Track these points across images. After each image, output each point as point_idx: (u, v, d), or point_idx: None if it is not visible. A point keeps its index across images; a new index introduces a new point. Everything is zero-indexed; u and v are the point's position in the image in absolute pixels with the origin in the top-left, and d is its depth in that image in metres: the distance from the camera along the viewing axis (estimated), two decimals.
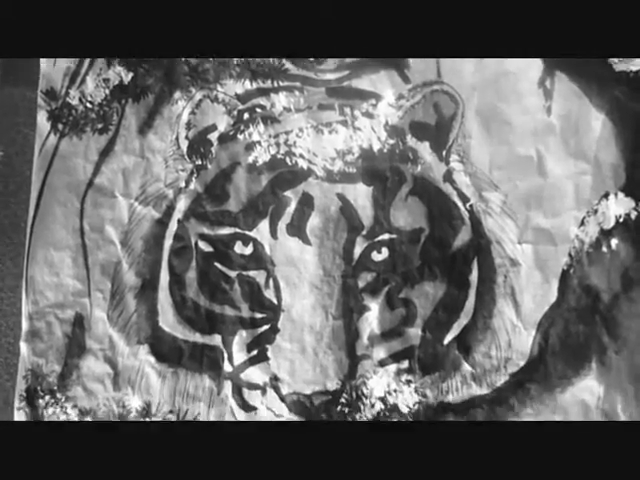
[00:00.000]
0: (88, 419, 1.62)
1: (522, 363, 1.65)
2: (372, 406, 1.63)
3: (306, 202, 1.63)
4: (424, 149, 1.64)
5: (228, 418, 1.63)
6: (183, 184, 1.64)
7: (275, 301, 1.63)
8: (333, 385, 1.62)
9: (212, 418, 1.63)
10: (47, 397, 1.63)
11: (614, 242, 1.66)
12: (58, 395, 1.63)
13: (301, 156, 1.63)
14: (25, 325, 1.64)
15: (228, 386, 1.63)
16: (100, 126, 1.63)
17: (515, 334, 1.65)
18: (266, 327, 1.63)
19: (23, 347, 1.64)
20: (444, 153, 1.64)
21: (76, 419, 1.62)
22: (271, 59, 1.62)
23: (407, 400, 1.63)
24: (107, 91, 1.62)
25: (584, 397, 1.65)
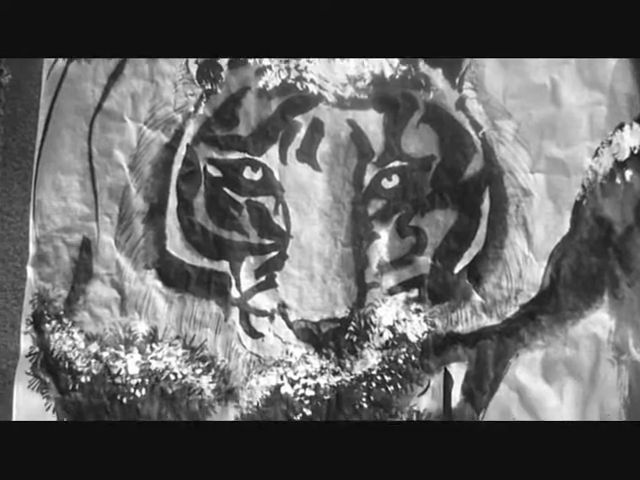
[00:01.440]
0: (94, 344, 1.61)
1: (533, 294, 1.63)
2: (381, 335, 1.61)
3: (316, 128, 1.61)
4: (437, 76, 1.62)
5: (235, 344, 1.61)
6: (192, 108, 1.63)
7: (284, 227, 1.61)
8: (341, 313, 1.61)
9: (219, 344, 1.61)
10: (54, 322, 1.62)
11: (628, 174, 1.63)
12: (64, 320, 1.62)
13: (312, 81, 1.61)
14: (32, 249, 1.63)
15: (235, 312, 1.62)
16: None
17: (526, 265, 1.63)
18: (274, 253, 1.61)
19: (30, 271, 1.63)
20: (457, 80, 1.62)
21: (82, 345, 1.61)
22: None
23: (416, 329, 1.62)
24: None
25: (596, 330, 1.63)
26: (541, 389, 1.62)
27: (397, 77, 1.61)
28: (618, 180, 1.64)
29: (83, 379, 1.61)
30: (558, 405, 1.62)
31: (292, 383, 1.61)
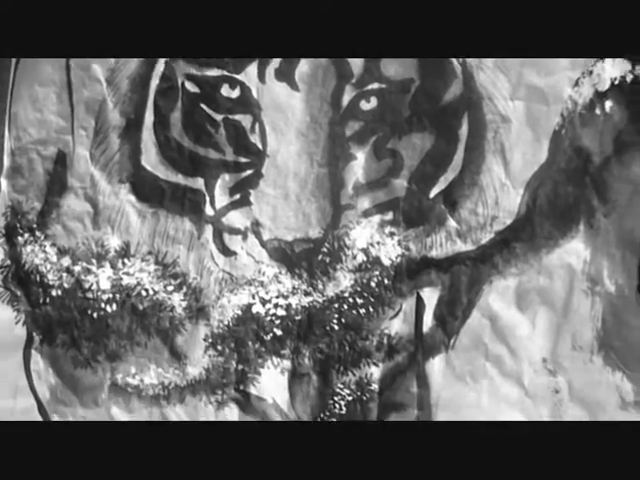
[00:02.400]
0: (66, 258, 1.60)
1: (509, 222, 1.62)
2: (354, 257, 1.61)
3: None
4: None
5: (208, 262, 1.61)
6: None
7: (260, 146, 1.60)
8: (315, 233, 1.60)
9: (191, 261, 1.61)
10: (26, 235, 1.61)
11: (608, 104, 1.63)
12: (37, 233, 1.61)
13: None
14: (7, 161, 1.62)
15: (209, 230, 1.61)
16: None
17: (503, 192, 1.62)
18: (250, 172, 1.60)
19: (4, 183, 1.62)
20: None
21: (54, 258, 1.60)
22: None
23: (389, 253, 1.61)
24: None
25: (570, 260, 1.62)
26: (514, 317, 1.61)
27: None
28: (597, 110, 1.63)
29: (54, 293, 1.60)
30: (530, 334, 1.62)
31: (263, 302, 1.60)
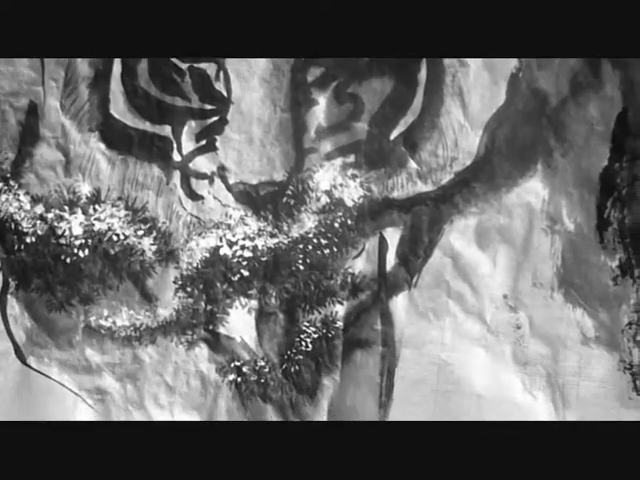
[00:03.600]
0: (40, 206, 1.66)
1: (468, 162, 1.66)
2: (318, 199, 1.65)
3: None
4: None
5: (176, 207, 1.66)
6: None
7: (225, 93, 1.65)
8: (279, 176, 1.65)
9: (160, 206, 1.66)
10: (0, 184, 1.66)
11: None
12: (11, 182, 1.66)
13: None
14: None
15: (177, 175, 1.66)
16: None
17: (462, 134, 1.66)
18: (215, 118, 1.65)
19: None
20: None
21: (28, 206, 1.66)
22: None
23: (352, 194, 1.65)
24: None
25: (529, 199, 1.66)
26: (474, 255, 1.66)
27: None
28: None
29: (28, 239, 1.66)
30: (491, 272, 1.66)
31: (230, 245, 1.65)
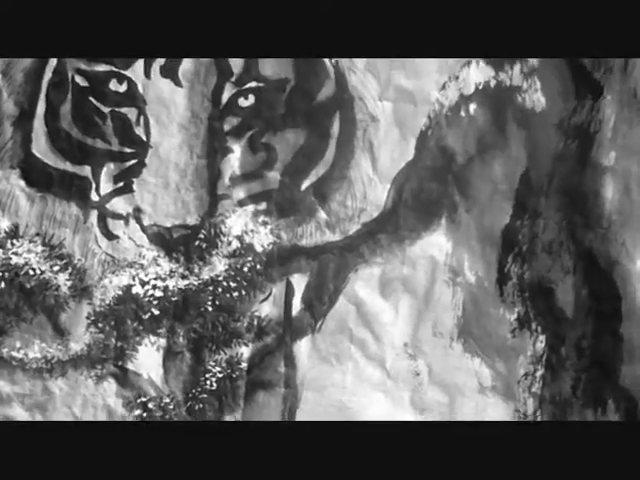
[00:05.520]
0: None
1: (375, 214, 1.73)
2: (229, 244, 1.71)
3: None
4: None
5: (92, 245, 1.71)
6: None
7: (144, 138, 1.71)
8: (193, 220, 1.71)
9: (76, 243, 1.71)
10: None
11: (472, 107, 1.74)
12: None
13: None
14: None
15: (94, 215, 1.72)
16: None
17: (371, 186, 1.73)
18: (134, 161, 1.71)
19: None
20: None
21: None
22: None
23: (262, 240, 1.72)
24: None
25: (432, 252, 1.73)
26: (377, 303, 1.72)
27: None
28: (462, 113, 1.74)
29: None
30: (393, 320, 1.72)
31: (142, 284, 1.71)
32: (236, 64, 1.71)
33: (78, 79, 1.72)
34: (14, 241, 1.70)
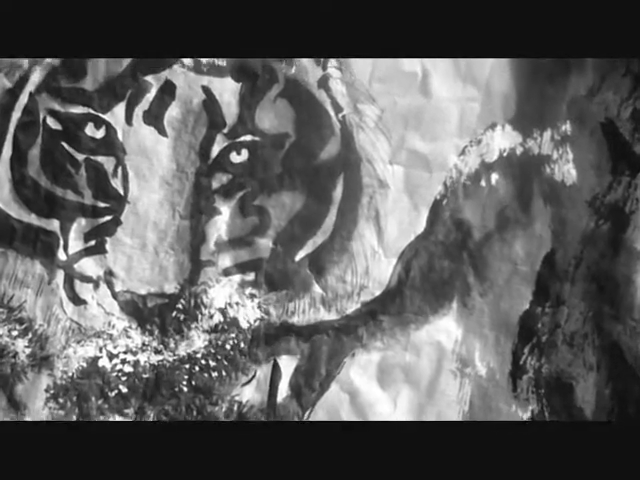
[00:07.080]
0: None
1: (377, 293, 1.53)
2: (210, 317, 1.52)
3: (167, 90, 1.51)
4: None
5: (56, 309, 1.52)
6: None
7: (121, 192, 1.52)
8: (171, 289, 1.51)
9: (39, 307, 1.52)
10: None
11: (494, 177, 1.54)
12: None
13: None
14: None
15: (60, 275, 1.52)
16: None
17: (374, 261, 1.53)
18: (108, 218, 1.52)
19: None
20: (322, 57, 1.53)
21: None
22: None
23: (248, 315, 1.52)
24: None
25: (440, 338, 1.53)
26: (374, 393, 1.53)
27: None
28: (483, 182, 1.54)
29: None
30: (391, 412, 1.53)
31: (110, 357, 1.51)
32: (230, 113, 1.51)
33: (50, 121, 1.52)
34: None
